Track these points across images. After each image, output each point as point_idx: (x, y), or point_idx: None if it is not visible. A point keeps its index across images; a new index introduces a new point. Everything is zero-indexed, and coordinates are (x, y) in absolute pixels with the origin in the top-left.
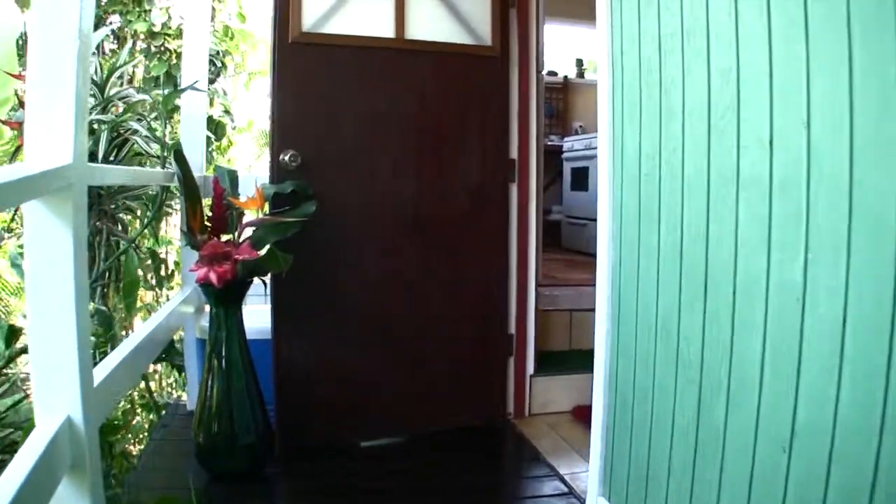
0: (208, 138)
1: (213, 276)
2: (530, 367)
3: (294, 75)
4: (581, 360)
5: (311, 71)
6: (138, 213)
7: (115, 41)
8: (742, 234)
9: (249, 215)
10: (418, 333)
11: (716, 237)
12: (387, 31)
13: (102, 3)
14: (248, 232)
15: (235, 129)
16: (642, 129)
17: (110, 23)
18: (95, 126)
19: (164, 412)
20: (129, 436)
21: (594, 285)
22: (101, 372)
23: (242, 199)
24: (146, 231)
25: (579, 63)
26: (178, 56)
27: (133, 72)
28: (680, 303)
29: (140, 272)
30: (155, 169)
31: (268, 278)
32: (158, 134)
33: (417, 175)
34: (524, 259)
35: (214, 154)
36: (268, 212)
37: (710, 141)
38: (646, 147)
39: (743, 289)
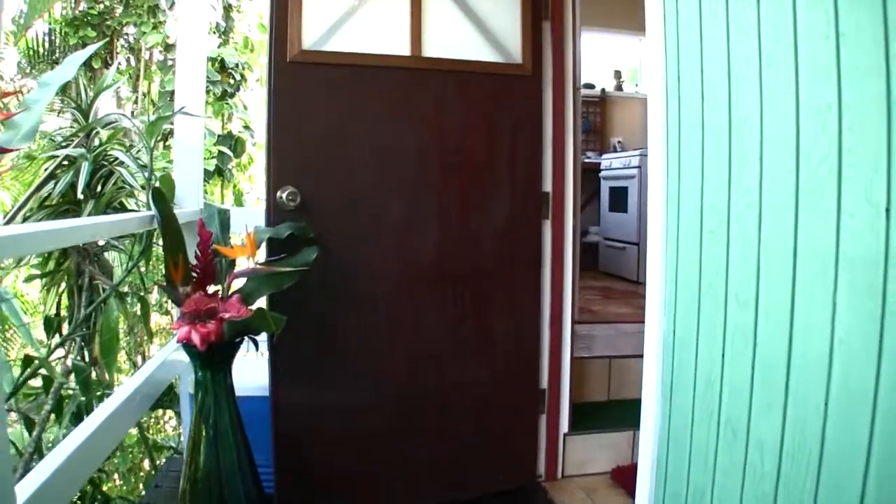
0: (227, 156)
1: (195, 338)
2: (564, 425)
3: (293, 100)
4: (621, 414)
5: (312, 95)
6: (131, 248)
7: (130, 53)
8: (841, 330)
9: (241, 263)
10: (438, 393)
11: (804, 328)
12: (401, 47)
13: (116, 15)
14: (240, 283)
15: (255, 146)
16: (705, 176)
17: (126, 34)
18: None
19: (160, 462)
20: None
21: (636, 322)
22: (34, 481)
23: (235, 243)
24: (135, 273)
25: (617, 75)
26: None
27: (149, 87)
28: (751, 400)
29: (130, 318)
30: (122, 215)
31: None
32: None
33: (436, 215)
34: (558, 308)
35: (234, 171)
36: (263, 259)
37: (797, 200)
38: (710, 198)
39: (841, 399)
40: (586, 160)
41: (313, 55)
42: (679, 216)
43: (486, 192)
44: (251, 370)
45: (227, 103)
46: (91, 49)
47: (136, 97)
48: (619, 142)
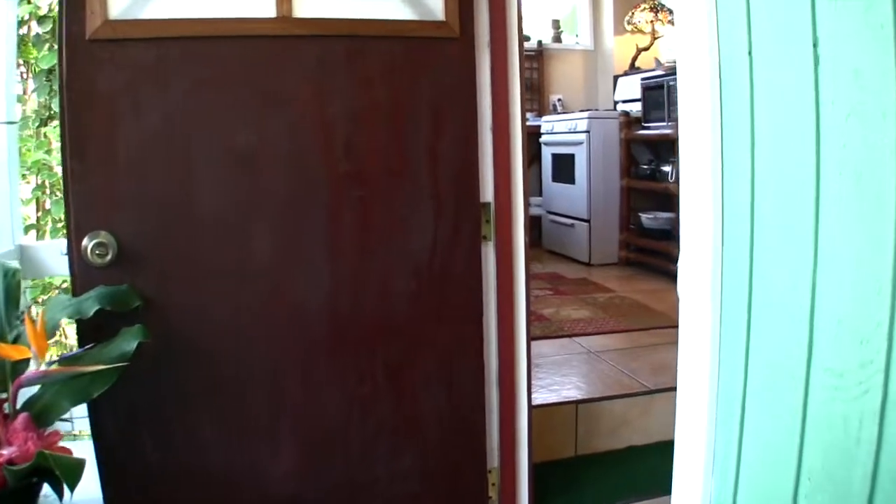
0: None
1: None
2: None
3: (100, 97)
4: (596, 479)
5: (130, 87)
6: None
7: None
8: None
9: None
10: (342, 499)
11: None
12: (263, 8)
13: None
14: (30, 392)
15: None
16: (823, 251)
17: None
18: None
19: None
20: None
21: (601, 333)
22: None
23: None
24: None
25: (555, 24)
26: None
27: (30, 67)
28: None
29: None
30: None
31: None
32: None
33: (327, 250)
34: (509, 362)
35: None
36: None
37: None
38: (840, 305)
39: None
40: None
41: (126, 27)
42: (750, 337)
43: (399, 209)
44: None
45: None
46: None
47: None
48: (559, 100)
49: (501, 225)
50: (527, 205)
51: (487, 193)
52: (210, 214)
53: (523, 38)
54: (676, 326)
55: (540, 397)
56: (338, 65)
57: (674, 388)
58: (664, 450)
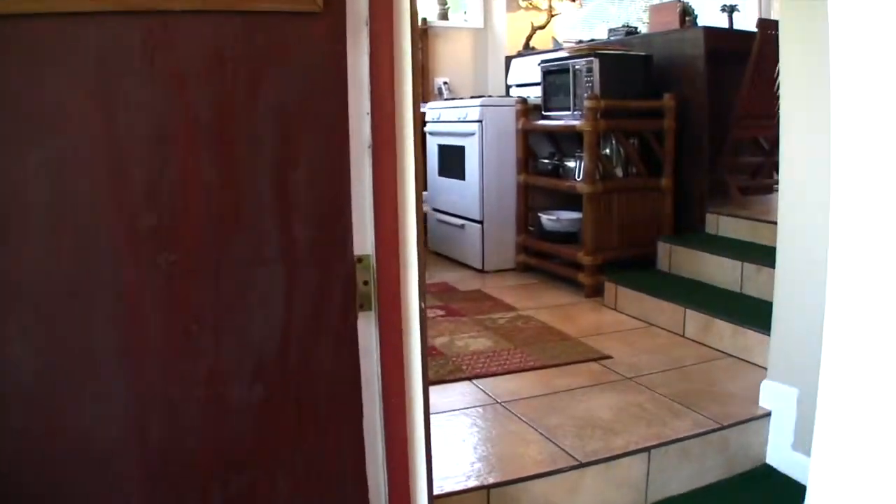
0: None
1: None
2: None
3: None
4: None
5: None
6: None
7: None
8: None
9: None
10: None
11: None
12: None
13: None
14: None
15: None
16: None
17: None
18: None
19: None
20: None
21: (512, 372)
22: None
23: None
24: None
25: (442, 1)
26: None
27: None
28: None
29: None
30: None
31: None
32: None
33: (125, 354)
34: (403, 477)
35: None
36: None
37: None
38: None
39: None
40: None
41: None
42: None
43: (234, 280)
44: None
45: None
46: None
47: None
48: (444, 83)
49: (386, 286)
50: (422, 256)
51: (366, 243)
52: None
53: (417, 14)
54: (594, 360)
55: (441, 481)
56: (133, 58)
57: (608, 459)
58: None
